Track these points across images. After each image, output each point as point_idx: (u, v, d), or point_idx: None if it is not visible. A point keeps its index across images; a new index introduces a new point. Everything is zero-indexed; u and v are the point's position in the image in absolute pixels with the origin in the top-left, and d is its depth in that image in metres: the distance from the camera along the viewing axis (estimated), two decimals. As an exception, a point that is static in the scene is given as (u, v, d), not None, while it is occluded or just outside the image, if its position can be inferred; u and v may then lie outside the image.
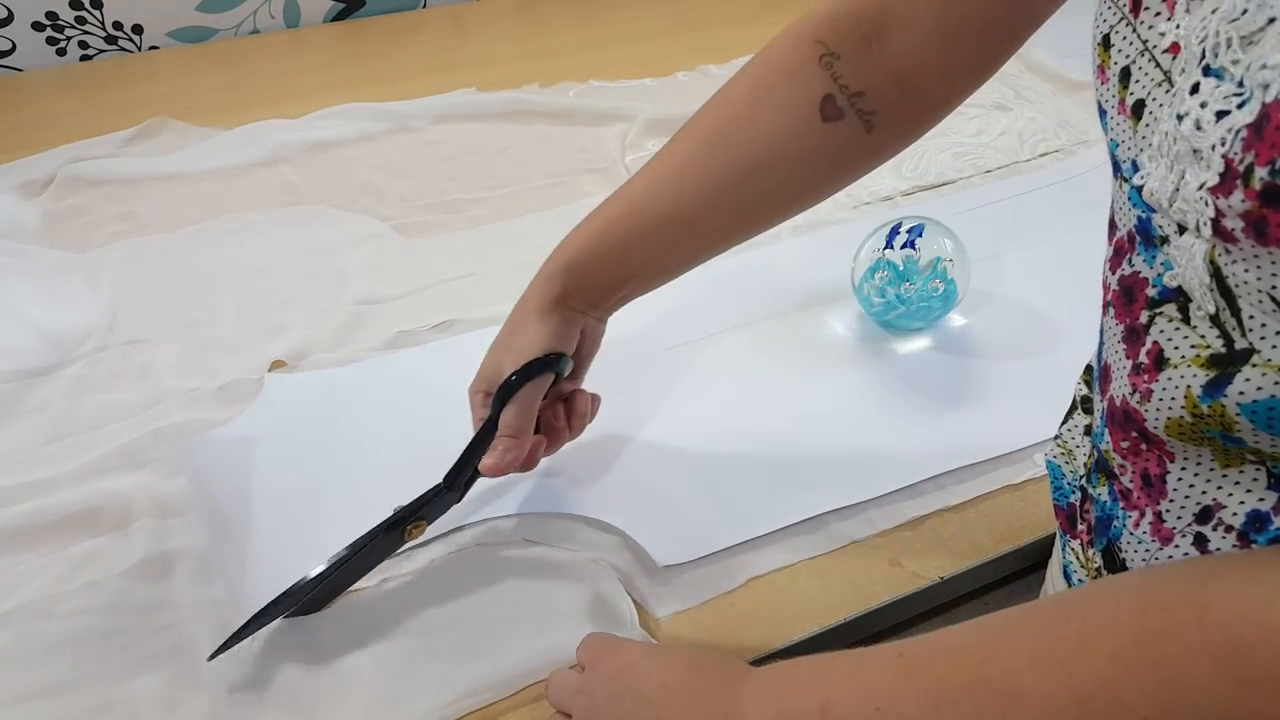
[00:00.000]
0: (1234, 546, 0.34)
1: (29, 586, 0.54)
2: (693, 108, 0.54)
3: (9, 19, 1.06)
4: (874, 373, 0.69)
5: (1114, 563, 0.41)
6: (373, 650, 0.51)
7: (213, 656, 0.49)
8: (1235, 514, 0.34)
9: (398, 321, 0.74)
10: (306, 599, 0.52)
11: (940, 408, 0.66)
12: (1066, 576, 0.46)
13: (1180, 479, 0.36)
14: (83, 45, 1.11)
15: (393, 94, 1.02)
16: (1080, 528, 0.44)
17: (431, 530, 0.55)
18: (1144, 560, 0.38)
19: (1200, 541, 0.35)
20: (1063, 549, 0.47)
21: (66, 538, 0.56)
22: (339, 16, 1.23)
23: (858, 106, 0.51)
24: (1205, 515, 0.35)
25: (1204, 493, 0.35)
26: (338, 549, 0.52)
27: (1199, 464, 0.35)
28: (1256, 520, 0.34)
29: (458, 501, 0.56)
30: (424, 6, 1.28)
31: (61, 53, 1.11)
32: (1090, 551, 0.43)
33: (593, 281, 0.55)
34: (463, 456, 0.55)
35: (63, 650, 0.50)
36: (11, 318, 0.71)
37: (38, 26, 1.08)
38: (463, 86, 1.05)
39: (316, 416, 0.65)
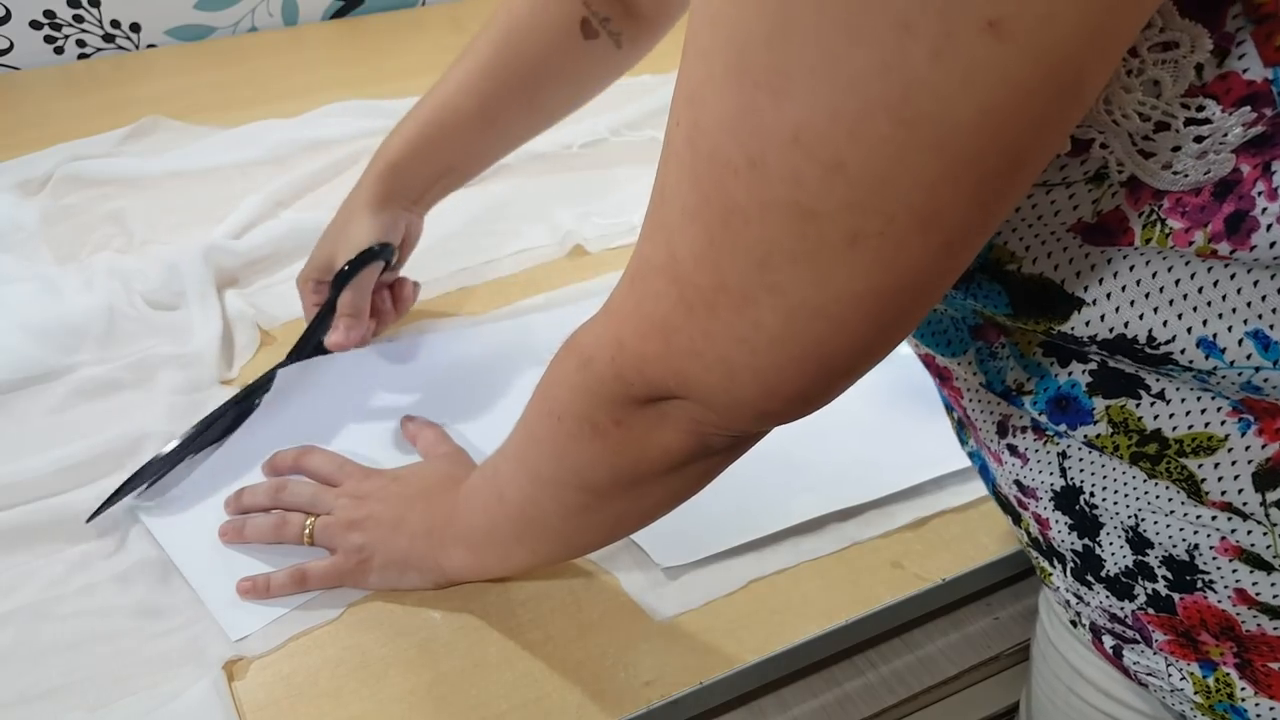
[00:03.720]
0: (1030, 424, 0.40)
1: (26, 589, 0.53)
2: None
3: (6, 17, 1.06)
4: (875, 372, 0.69)
5: (1008, 505, 0.45)
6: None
7: (90, 518, 0.56)
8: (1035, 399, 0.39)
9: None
10: (162, 472, 0.58)
11: (943, 408, 0.66)
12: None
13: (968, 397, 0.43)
14: (80, 44, 1.11)
15: (392, 91, 1.02)
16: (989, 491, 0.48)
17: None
18: (1009, 478, 0.43)
19: (1003, 431, 0.42)
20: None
21: (64, 540, 0.56)
22: (338, 14, 1.23)
23: (608, 28, 0.63)
24: (1003, 429, 0.42)
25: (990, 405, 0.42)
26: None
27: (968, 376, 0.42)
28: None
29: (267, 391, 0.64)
30: (423, 4, 1.27)
31: (59, 51, 1.10)
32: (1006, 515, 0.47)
33: (413, 178, 0.66)
34: (303, 337, 0.65)
35: (61, 653, 0.50)
36: (10, 320, 0.70)
37: (35, 25, 1.08)
38: (462, 84, 1.04)
39: (312, 406, 0.65)
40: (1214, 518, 0.36)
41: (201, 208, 0.84)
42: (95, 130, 0.94)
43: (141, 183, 0.88)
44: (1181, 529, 0.37)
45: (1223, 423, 0.34)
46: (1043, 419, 0.38)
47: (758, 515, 0.58)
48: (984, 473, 0.47)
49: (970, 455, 0.47)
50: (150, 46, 1.14)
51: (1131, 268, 0.32)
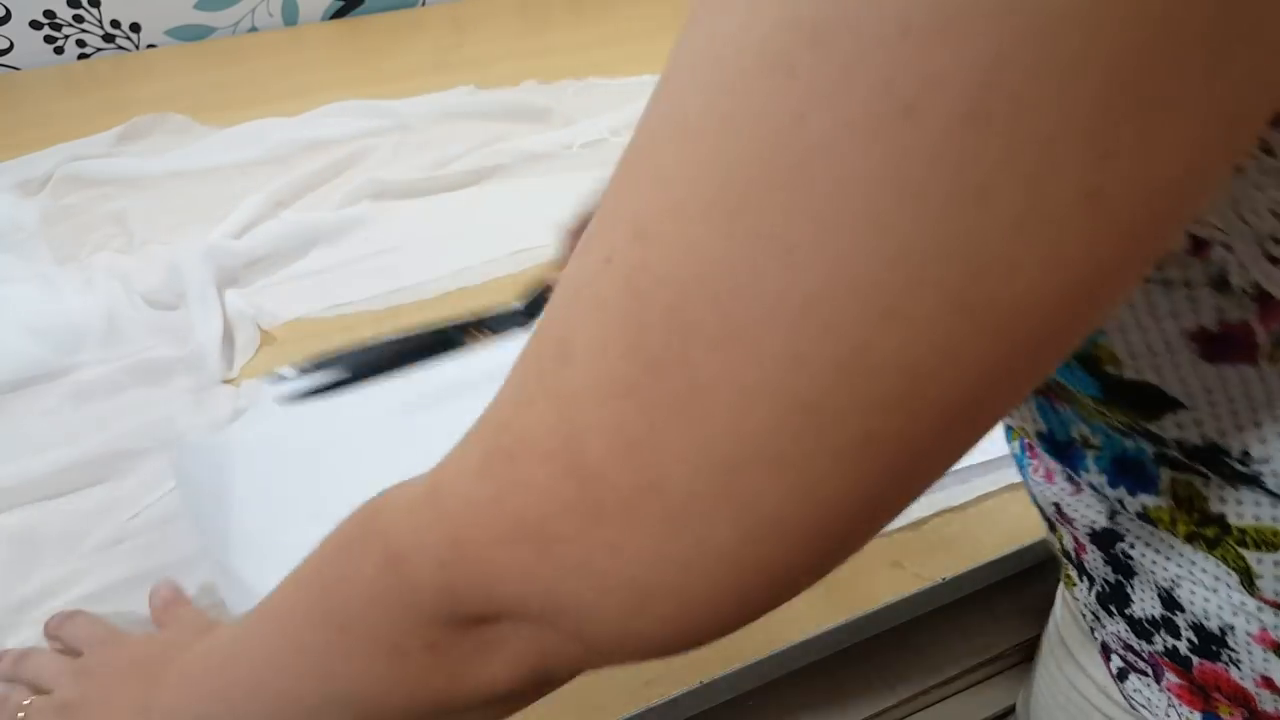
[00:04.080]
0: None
1: (11, 596, 0.53)
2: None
3: (6, 17, 1.06)
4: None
5: (1044, 514, 0.42)
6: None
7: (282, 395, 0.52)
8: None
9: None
10: (355, 366, 0.55)
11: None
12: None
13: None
14: (80, 44, 1.11)
15: (392, 92, 1.02)
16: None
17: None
18: (1049, 499, 0.40)
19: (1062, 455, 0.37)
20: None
21: (65, 543, 0.56)
22: (338, 14, 1.23)
23: None
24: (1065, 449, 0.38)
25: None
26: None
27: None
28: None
29: (524, 325, 0.60)
30: (423, 4, 1.27)
31: (59, 51, 1.10)
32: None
33: None
34: (545, 289, 0.60)
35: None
36: (10, 320, 0.70)
37: (35, 25, 1.08)
38: (462, 84, 1.04)
39: (310, 421, 0.65)
40: (1259, 609, 0.33)
41: (202, 207, 0.84)
42: (95, 130, 0.94)
43: (141, 183, 0.88)
44: (1220, 608, 0.34)
45: None
46: (1101, 479, 0.35)
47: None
48: (1024, 471, 0.44)
49: (1015, 458, 0.44)
50: (150, 46, 1.14)
51: (1243, 380, 0.28)
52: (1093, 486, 0.36)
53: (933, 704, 0.59)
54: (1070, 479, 0.38)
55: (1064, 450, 0.37)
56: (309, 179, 0.88)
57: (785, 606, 0.56)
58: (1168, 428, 0.30)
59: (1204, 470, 0.31)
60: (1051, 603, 0.52)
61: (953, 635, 0.60)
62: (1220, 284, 0.26)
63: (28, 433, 0.63)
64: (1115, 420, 0.32)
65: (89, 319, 0.71)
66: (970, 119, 0.17)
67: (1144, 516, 0.34)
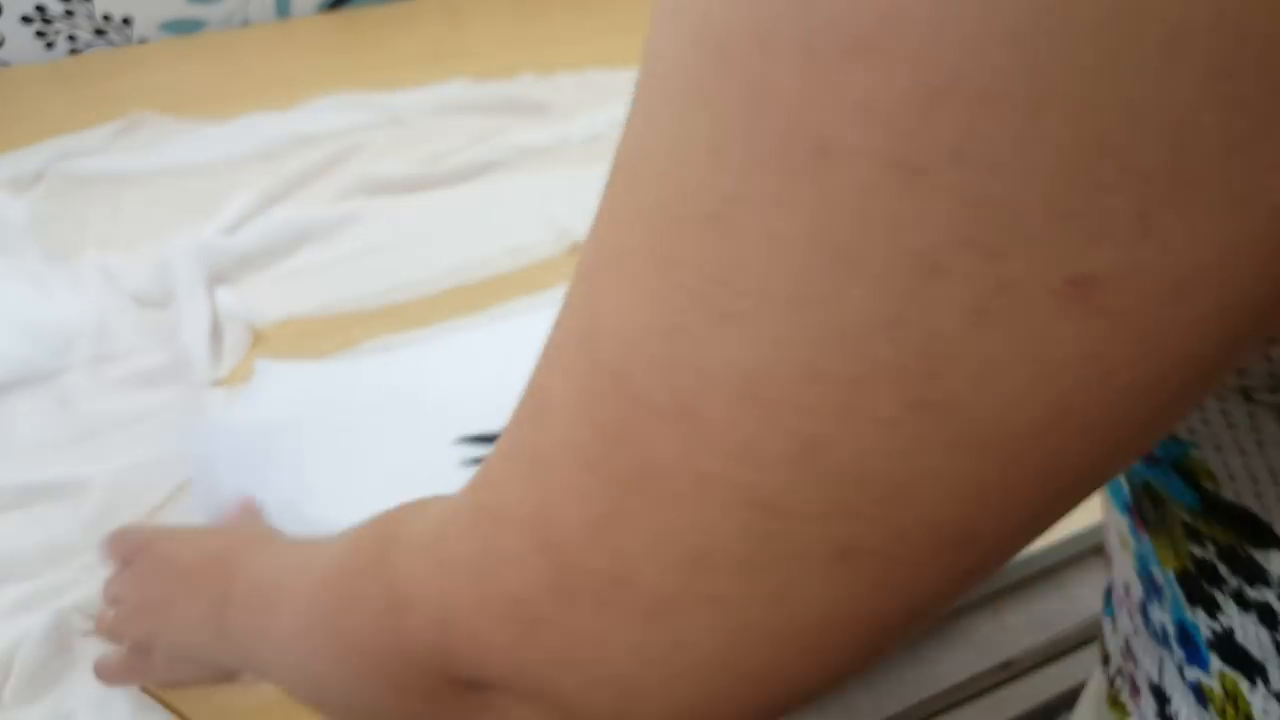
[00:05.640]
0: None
1: (14, 595, 0.52)
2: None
3: (-4, 12, 1.05)
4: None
5: (1104, 644, 0.39)
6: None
7: None
8: None
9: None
10: None
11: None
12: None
13: None
14: (71, 39, 1.09)
15: (386, 85, 1.01)
16: None
17: None
18: (1120, 638, 0.36)
19: None
20: None
21: (56, 549, 0.55)
22: (331, 6, 1.22)
23: None
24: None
25: None
26: None
27: None
28: None
29: None
30: (418, -4, 1.26)
31: (50, 46, 1.09)
32: None
33: None
34: None
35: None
36: (-2, 319, 0.69)
37: (26, 20, 1.06)
38: (457, 76, 1.03)
39: (310, 413, 0.64)
40: None
41: (193, 204, 0.83)
42: (87, 126, 0.93)
43: (132, 179, 0.86)
44: None
45: None
46: (1171, 631, 0.32)
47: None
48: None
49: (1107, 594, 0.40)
50: (142, 41, 1.13)
51: None
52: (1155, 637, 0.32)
53: (939, 711, 0.58)
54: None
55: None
56: (301, 174, 0.86)
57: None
58: (1275, 564, 0.25)
59: (1253, 659, 0.28)
60: (1060, 615, 0.51)
61: (958, 641, 0.59)
62: None
63: (16, 435, 0.62)
64: (1183, 545, 0.28)
65: (79, 318, 0.70)
66: (897, 169, 0.14)
67: (1199, 692, 0.30)
